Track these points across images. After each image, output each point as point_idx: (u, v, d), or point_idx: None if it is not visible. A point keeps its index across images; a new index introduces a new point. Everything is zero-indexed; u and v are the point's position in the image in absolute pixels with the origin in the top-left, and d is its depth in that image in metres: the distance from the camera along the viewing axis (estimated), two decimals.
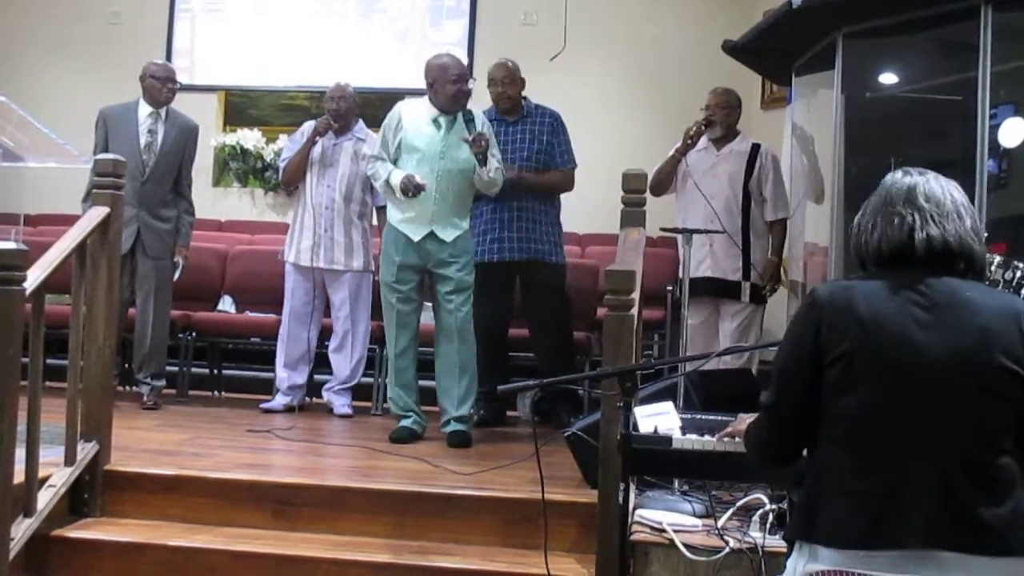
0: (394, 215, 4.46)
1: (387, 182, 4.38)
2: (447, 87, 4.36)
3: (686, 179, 4.86)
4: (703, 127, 4.78)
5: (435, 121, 4.39)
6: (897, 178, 1.94)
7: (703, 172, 4.84)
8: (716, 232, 4.58)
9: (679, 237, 4.95)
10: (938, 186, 1.91)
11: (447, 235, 4.36)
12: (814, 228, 4.57)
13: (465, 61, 7.72)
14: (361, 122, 5.28)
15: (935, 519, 1.73)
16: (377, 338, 5.35)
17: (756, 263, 4.83)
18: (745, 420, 2.15)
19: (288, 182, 5.24)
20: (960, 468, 1.74)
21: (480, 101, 4.74)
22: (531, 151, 4.85)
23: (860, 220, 1.97)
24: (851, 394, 1.80)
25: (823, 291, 1.90)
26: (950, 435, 1.75)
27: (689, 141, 4.77)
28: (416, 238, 4.36)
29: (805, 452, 1.94)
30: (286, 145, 5.39)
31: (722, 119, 4.88)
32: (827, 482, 1.82)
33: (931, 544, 1.73)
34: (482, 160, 4.31)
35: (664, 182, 4.87)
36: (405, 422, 4.39)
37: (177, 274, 5.15)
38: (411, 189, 4.23)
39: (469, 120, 4.34)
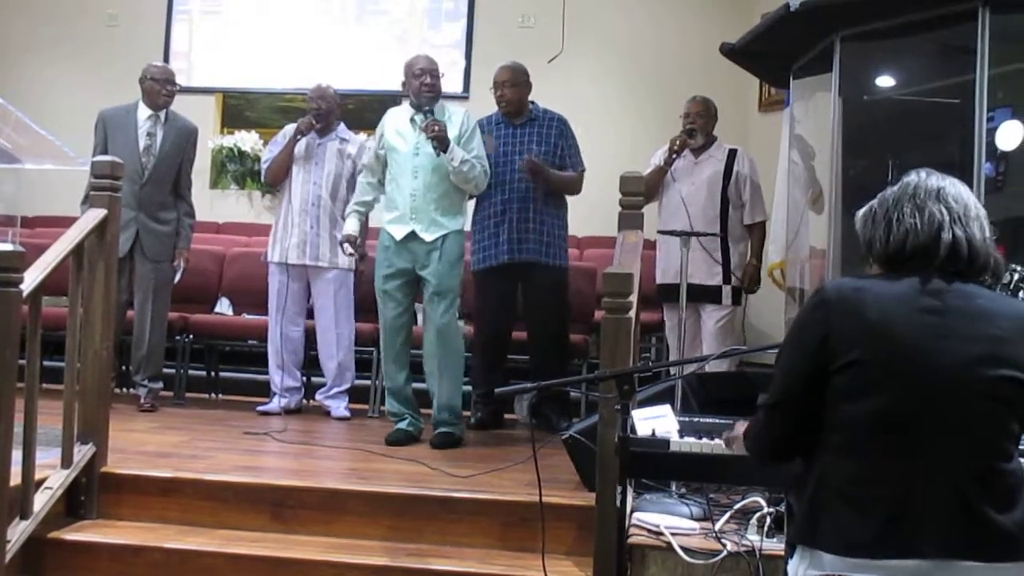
0: (383, 216, 4.49)
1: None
2: (412, 82, 4.43)
3: (667, 186, 4.95)
4: (688, 139, 4.85)
5: (412, 120, 4.43)
6: (922, 177, 1.88)
7: (683, 179, 4.93)
8: (709, 235, 4.66)
9: (657, 239, 5.02)
10: (963, 190, 1.88)
11: (429, 234, 4.35)
12: (812, 231, 4.56)
13: (463, 63, 7.81)
14: (343, 124, 5.28)
15: (953, 528, 1.71)
16: (374, 340, 5.35)
17: (735, 267, 4.92)
18: (742, 427, 2.14)
19: (272, 181, 5.27)
20: (973, 476, 1.73)
21: (479, 107, 4.73)
22: (538, 153, 4.83)
23: (880, 211, 1.89)
24: (859, 402, 1.77)
25: (831, 290, 1.85)
26: (962, 443, 1.74)
27: (674, 155, 4.84)
28: (399, 236, 4.37)
29: (802, 457, 1.93)
30: (268, 147, 5.39)
31: (701, 127, 4.97)
32: (830, 489, 1.79)
33: (950, 554, 1.71)
34: (438, 147, 4.28)
35: (651, 192, 4.91)
36: (401, 424, 4.40)
37: (178, 276, 5.14)
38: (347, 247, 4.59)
39: (428, 112, 4.34)
